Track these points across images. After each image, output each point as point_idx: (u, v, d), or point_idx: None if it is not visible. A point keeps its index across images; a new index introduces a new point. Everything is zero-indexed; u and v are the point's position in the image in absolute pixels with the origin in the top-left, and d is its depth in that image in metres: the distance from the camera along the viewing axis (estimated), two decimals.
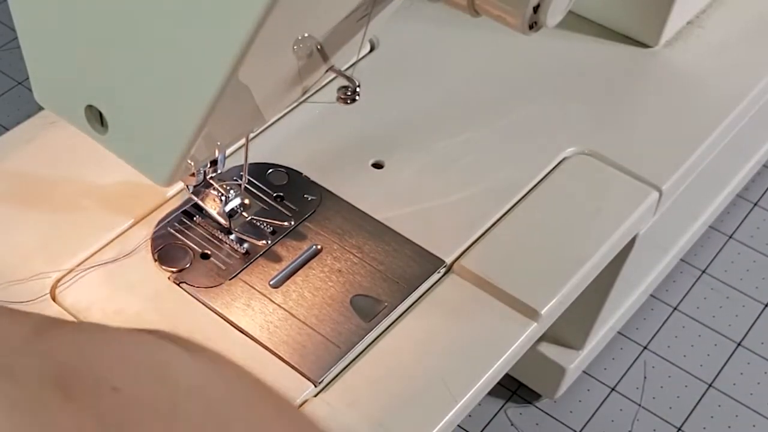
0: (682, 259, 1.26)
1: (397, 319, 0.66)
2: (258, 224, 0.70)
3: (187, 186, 0.68)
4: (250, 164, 0.70)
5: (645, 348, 1.22)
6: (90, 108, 0.37)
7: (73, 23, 0.36)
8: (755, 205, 1.38)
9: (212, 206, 0.68)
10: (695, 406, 1.16)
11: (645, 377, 1.19)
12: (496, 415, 1.15)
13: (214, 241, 0.69)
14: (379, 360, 0.64)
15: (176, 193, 0.71)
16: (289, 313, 0.65)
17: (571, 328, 1.00)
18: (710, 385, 1.18)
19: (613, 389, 1.18)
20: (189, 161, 0.36)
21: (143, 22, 0.34)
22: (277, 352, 0.63)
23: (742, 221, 1.36)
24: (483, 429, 1.14)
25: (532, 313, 0.66)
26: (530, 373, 1.10)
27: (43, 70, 0.38)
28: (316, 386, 0.62)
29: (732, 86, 0.87)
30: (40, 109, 0.59)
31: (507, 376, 0.85)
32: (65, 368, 0.29)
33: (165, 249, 0.68)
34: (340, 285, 0.67)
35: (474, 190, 0.74)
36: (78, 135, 0.45)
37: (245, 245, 0.68)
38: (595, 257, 0.71)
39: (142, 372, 0.31)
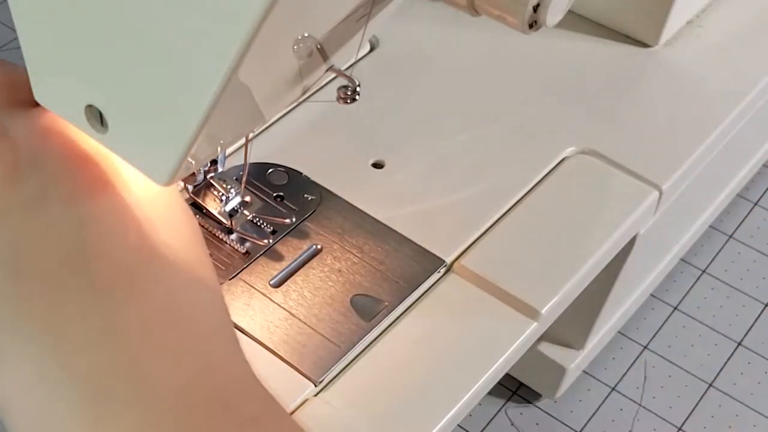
0: (682, 259, 1.26)
1: (397, 318, 0.66)
2: (258, 223, 0.70)
3: (187, 186, 0.68)
4: (250, 164, 0.70)
5: (645, 348, 1.22)
6: (90, 108, 0.37)
7: (72, 23, 0.36)
8: (755, 204, 1.38)
9: (212, 206, 0.69)
10: (695, 406, 1.16)
11: (645, 377, 1.19)
12: (496, 414, 1.15)
13: (215, 240, 0.69)
14: (379, 360, 0.64)
15: None
16: (289, 312, 0.65)
17: (571, 327, 1.00)
18: (710, 385, 1.18)
19: (613, 389, 1.18)
20: (190, 160, 0.36)
21: (143, 21, 0.34)
22: (277, 351, 0.63)
23: (742, 221, 1.36)
24: (483, 429, 1.14)
25: (532, 313, 0.66)
26: (530, 372, 1.10)
27: (42, 70, 0.38)
28: (316, 386, 0.62)
29: (732, 86, 0.87)
30: None
31: (507, 376, 0.86)
32: None
33: None
34: (340, 285, 0.67)
35: (474, 190, 0.74)
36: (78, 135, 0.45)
37: (246, 244, 0.68)
38: (596, 257, 0.71)
39: None
